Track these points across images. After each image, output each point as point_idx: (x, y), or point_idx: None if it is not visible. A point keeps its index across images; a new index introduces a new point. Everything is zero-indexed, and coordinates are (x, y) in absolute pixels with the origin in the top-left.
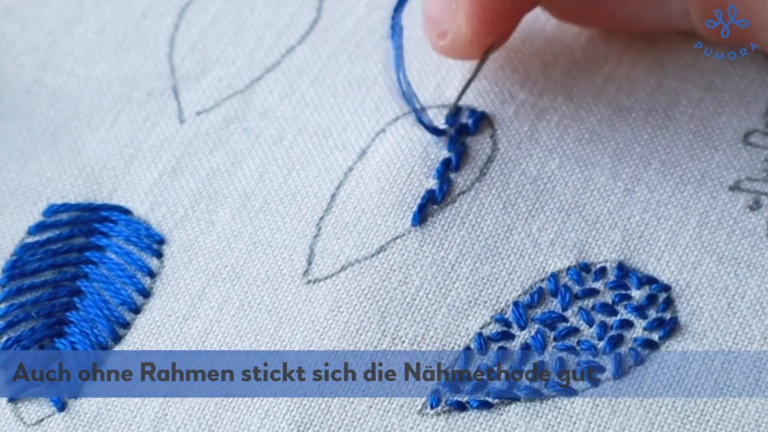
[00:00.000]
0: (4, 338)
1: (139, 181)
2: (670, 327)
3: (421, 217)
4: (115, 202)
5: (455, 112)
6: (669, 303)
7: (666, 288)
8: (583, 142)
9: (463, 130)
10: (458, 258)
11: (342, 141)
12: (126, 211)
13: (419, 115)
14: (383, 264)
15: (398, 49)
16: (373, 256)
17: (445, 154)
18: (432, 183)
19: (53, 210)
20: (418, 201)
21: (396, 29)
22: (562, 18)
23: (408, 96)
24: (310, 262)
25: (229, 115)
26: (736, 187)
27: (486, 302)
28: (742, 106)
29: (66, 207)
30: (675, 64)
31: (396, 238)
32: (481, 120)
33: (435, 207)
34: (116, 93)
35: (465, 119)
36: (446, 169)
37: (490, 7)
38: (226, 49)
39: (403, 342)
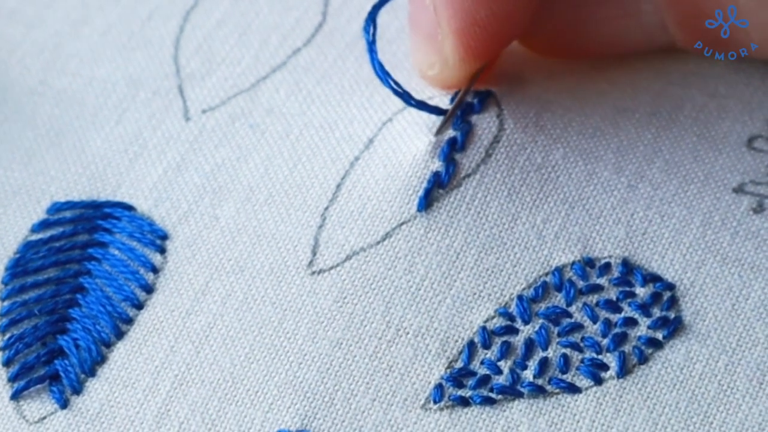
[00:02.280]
0: (7, 336)
1: (143, 177)
2: (674, 326)
3: (426, 202)
4: (118, 198)
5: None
6: (673, 302)
7: (670, 286)
8: (587, 136)
9: (468, 109)
10: (463, 247)
11: (349, 132)
12: (129, 208)
13: (406, 98)
14: (388, 252)
15: (371, 43)
16: (378, 243)
17: (450, 133)
18: (438, 165)
19: (57, 208)
20: (424, 185)
21: (368, 29)
22: (542, 53)
23: (385, 80)
24: (314, 253)
25: (235, 112)
26: (739, 190)
27: (490, 295)
28: (746, 112)
29: (70, 204)
30: (679, 72)
31: (401, 224)
32: (487, 99)
33: (441, 191)
34: (121, 93)
35: (470, 98)
36: (452, 150)
37: (476, 37)
38: (232, 50)
39: (407, 333)
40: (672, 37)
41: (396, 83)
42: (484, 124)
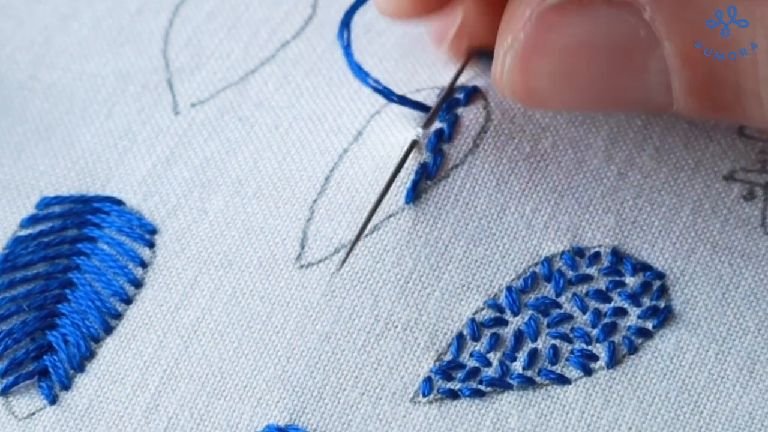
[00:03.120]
0: None
1: (132, 171)
2: (664, 315)
3: (414, 194)
4: (108, 193)
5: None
6: (663, 291)
7: (660, 275)
8: (576, 124)
9: (454, 102)
10: (451, 238)
11: (338, 124)
12: (118, 202)
13: (387, 94)
14: (376, 244)
15: (347, 47)
16: (366, 236)
17: (437, 125)
18: (425, 156)
19: (46, 203)
20: (412, 177)
21: (342, 34)
22: (532, 105)
23: (364, 80)
24: (303, 246)
25: (224, 106)
26: (730, 177)
27: (479, 286)
28: None
29: (59, 199)
30: None
31: (389, 216)
32: (473, 93)
33: (428, 183)
34: (111, 87)
35: (456, 94)
36: (439, 141)
37: None
38: (221, 43)
39: (396, 327)
40: (673, 101)
41: (376, 81)
42: (471, 115)
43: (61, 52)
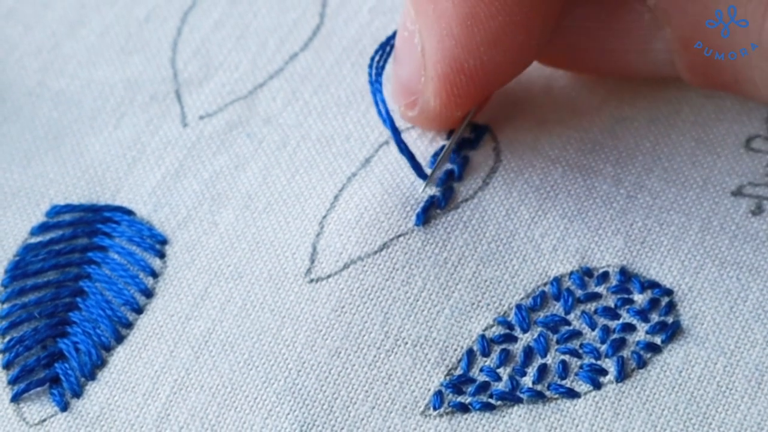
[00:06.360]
0: (7, 338)
1: (142, 182)
2: (672, 330)
3: (424, 218)
4: (118, 203)
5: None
6: (671, 307)
7: (668, 292)
8: (585, 152)
9: (465, 144)
10: (461, 260)
11: (345, 149)
12: (129, 212)
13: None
14: (386, 262)
15: (377, 92)
16: (375, 253)
17: (447, 166)
18: (435, 191)
19: (56, 211)
20: (422, 204)
21: (375, 85)
22: (550, 64)
23: (390, 124)
24: (312, 261)
25: (233, 120)
26: (738, 193)
27: (489, 305)
28: (744, 111)
29: (69, 208)
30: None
31: (399, 235)
32: (484, 135)
33: (438, 211)
34: (119, 96)
35: (468, 134)
36: (449, 179)
37: (459, 84)
38: (229, 54)
39: (406, 343)
40: (678, 73)
41: (400, 138)
42: (481, 158)
43: (69, 59)
